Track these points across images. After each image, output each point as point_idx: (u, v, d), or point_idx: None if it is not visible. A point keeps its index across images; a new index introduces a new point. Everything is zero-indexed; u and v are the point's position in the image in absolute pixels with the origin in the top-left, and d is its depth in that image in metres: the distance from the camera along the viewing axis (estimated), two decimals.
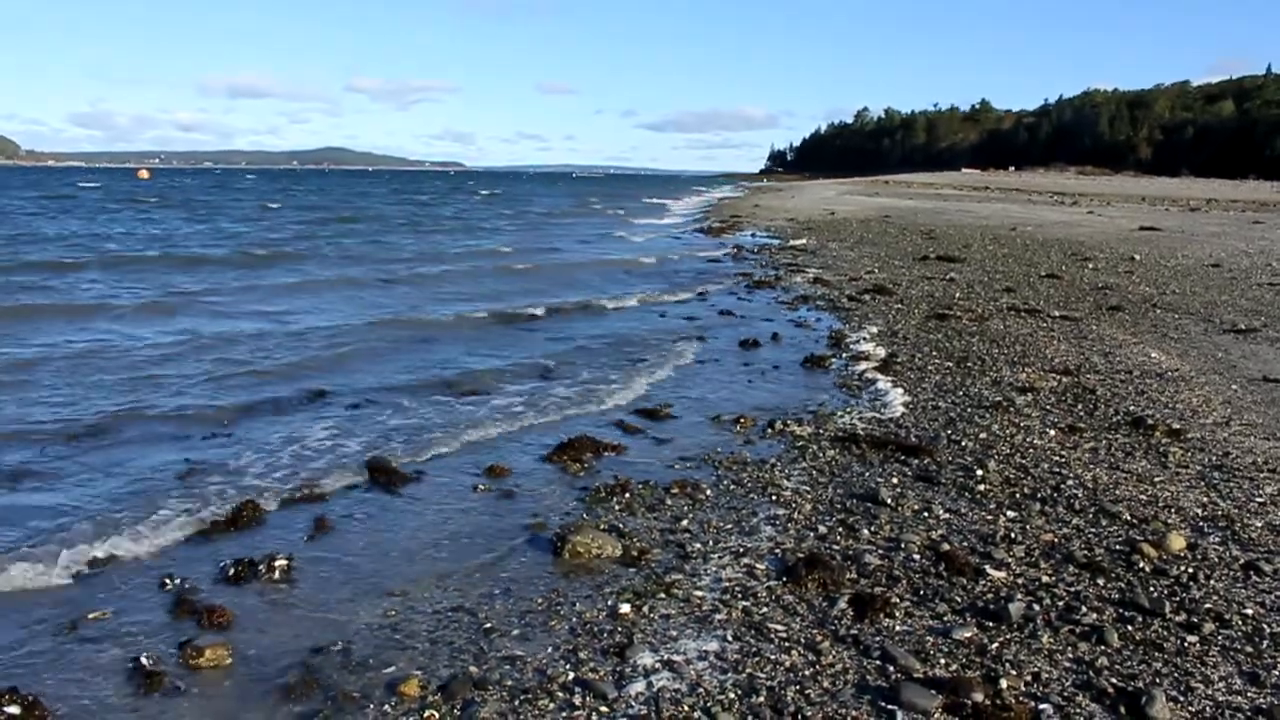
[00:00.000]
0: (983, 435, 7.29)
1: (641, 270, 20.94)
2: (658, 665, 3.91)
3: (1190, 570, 4.82)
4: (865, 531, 5.36)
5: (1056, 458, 6.75)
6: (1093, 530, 5.40)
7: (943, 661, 3.94)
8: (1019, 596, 4.51)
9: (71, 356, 9.92)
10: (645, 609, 4.42)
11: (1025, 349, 10.81)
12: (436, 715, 3.58)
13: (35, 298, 14.60)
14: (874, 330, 12.08)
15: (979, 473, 6.36)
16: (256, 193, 72.41)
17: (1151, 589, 4.61)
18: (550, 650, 4.05)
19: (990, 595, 4.54)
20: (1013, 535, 5.31)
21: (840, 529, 5.41)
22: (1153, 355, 10.55)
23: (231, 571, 4.78)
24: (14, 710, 3.51)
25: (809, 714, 3.55)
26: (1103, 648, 4.04)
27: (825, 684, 3.76)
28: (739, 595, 4.56)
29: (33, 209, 41.88)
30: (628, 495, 5.99)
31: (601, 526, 5.41)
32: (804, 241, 26.86)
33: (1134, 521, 5.52)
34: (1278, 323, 12.82)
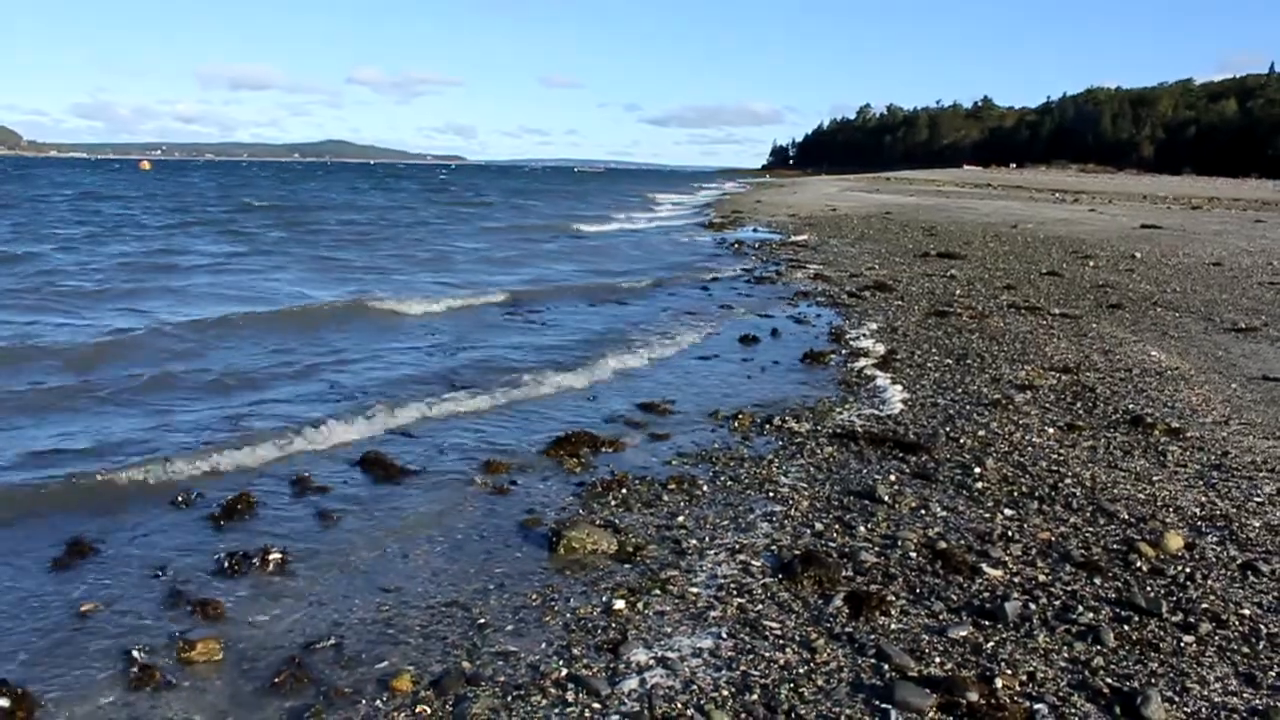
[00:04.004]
0: (981, 433, 7.27)
1: (639, 268, 20.88)
2: (651, 662, 3.89)
3: (1188, 570, 4.80)
4: (862, 529, 5.34)
5: (1055, 456, 6.73)
6: (1090, 529, 5.38)
7: (938, 660, 3.92)
8: (1015, 595, 4.49)
9: None
10: (640, 605, 4.40)
11: (1025, 346, 10.78)
12: (428, 711, 3.56)
13: None
14: (874, 327, 12.06)
15: (977, 470, 6.34)
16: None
17: (1148, 589, 4.59)
18: (544, 646, 4.03)
19: (986, 594, 4.52)
20: (1010, 534, 5.28)
21: (837, 526, 5.39)
22: (1153, 353, 10.52)
23: (225, 564, 4.76)
24: (4, 703, 3.49)
25: (803, 712, 3.53)
26: (1099, 647, 4.02)
27: (819, 682, 3.75)
28: (734, 592, 4.54)
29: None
30: (624, 491, 5.96)
31: (597, 522, 5.38)
32: (805, 237, 26.81)
33: (1132, 520, 5.50)
34: (1278, 322, 12.78)
